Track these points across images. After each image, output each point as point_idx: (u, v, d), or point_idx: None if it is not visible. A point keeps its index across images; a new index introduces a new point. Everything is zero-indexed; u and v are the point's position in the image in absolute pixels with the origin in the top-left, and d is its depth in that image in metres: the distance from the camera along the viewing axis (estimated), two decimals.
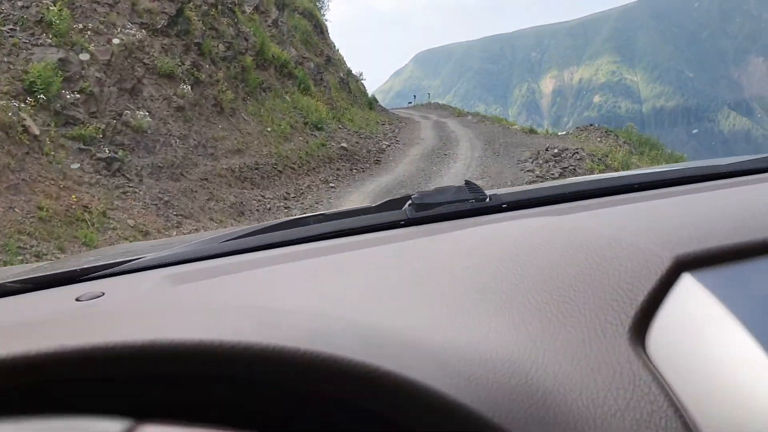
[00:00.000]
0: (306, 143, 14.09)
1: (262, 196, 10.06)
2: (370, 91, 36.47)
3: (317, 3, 34.80)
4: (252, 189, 10.11)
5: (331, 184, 12.17)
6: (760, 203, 0.80)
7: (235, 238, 1.18)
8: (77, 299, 0.92)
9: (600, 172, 11.05)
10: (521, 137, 19.40)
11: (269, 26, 20.63)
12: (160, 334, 0.52)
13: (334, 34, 34.04)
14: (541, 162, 11.57)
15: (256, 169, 10.84)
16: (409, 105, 52.84)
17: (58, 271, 1.12)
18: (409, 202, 1.19)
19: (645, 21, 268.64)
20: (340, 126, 17.70)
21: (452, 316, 0.64)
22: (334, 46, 36.33)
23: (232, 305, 0.79)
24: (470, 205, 1.19)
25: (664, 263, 0.60)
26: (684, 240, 0.64)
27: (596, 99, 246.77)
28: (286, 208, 9.95)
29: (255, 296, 0.85)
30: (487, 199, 1.21)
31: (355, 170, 14.10)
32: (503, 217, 1.15)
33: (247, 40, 15.96)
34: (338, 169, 13.69)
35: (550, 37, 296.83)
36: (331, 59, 29.42)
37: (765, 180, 1.16)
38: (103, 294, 0.93)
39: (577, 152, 11.40)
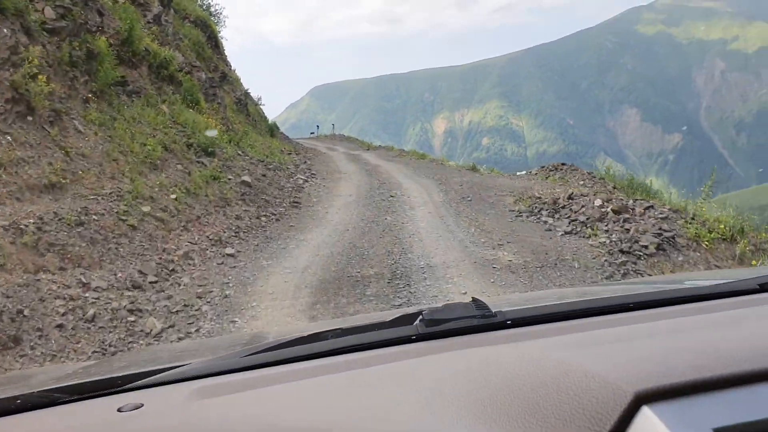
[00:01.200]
0: (187, 175, 8.84)
1: (84, 284, 4.74)
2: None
3: (213, 17, 29.64)
4: (62, 269, 4.78)
5: (229, 250, 6.99)
6: (714, 339, 0.92)
7: (256, 353, 1.26)
8: (119, 410, 0.99)
9: (709, 241, 6.72)
10: (473, 176, 15.40)
11: (149, 23, 15.42)
12: None
13: (230, 58, 29.36)
14: (583, 219, 7.12)
15: (82, 224, 5.50)
16: (312, 135, 48.31)
17: (99, 379, 1.23)
18: (420, 317, 1.28)
19: (530, 70, 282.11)
20: (239, 152, 12.54)
21: None
22: (231, 65, 31.27)
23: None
24: (476, 321, 1.28)
25: (626, 397, 0.69)
26: (644, 376, 0.74)
27: (485, 141, 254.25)
28: (133, 311, 4.69)
29: (275, 413, 0.93)
30: (493, 315, 1.30)
31: (265, 218, 9.01)
32: (507, 335, 1.24)
33: (101, 14, 10.55)
34: (239, 218, 8.54)
35: (442, 79, 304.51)
36: (227, 77, 24.44)
37: (720, 308, 1.27)
38: (143, 405, 1.01)
39: (651, 207, 7.08)
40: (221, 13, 30.68)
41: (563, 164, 15.14)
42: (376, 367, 1.07)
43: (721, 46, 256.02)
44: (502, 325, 1.29)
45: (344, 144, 36.46)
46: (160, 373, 1.18)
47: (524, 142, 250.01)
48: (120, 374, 1.19)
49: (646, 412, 0.67)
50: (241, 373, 1.17)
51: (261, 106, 40.65)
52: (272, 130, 28.20)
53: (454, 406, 0.80)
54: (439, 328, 1.25)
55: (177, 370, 1.19)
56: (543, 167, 15.68)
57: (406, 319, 1.31)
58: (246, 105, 23.99)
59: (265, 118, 29.89)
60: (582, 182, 13.40)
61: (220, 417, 0.92)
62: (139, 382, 1.15)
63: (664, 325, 1.13)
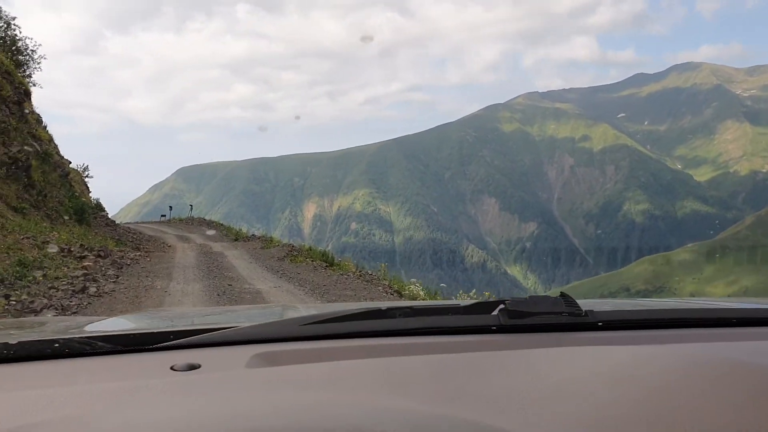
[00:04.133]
0: None
1: None
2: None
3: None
4: None
5: None
6: None
7: (317, 322, 1.19)
8: (172, 368, 0.95)
9: None
10: None
11: None
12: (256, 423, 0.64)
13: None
14: None
15: None
16: (162, 219, 39.64)
17: (147, 332, 1.16)
18: (501, 306, 1.20)
19: (397, 159, 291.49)
20: None
21: None
22: (38, 120, 25.60)
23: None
24: (565, 318, 1.19)
25: None
26: None
27: (353, 226, 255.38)
28: None
29: (342, 390, 0.85)
30: (584, 315, 1.20)
31: None
32: (601, 337, 1.17)
33: None
34: None
35: (312, 165, 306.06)
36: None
37: None
38: (200, 366, 0.96)
39: None
40: (34, 51, 24.55)
41: None
42: (454, 355, 1.00)
43: (570, 143, 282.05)
44: (592, 326, 1.21)
45: (202, 232, 27.49)
46: (212, 331, 1.12)
47: (392, 228, 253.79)
48: (171, 329, 1.14)
49: None
50: (302, 342, 1.11)
51: (88, 179, 33.95)
52: (82, 212, 22.05)
53: (534, 406, 0.73)
54: (522, 321, 1.17)
55: (232, 330, 1.13)
56: None
57: (484, 307, 1.25)
58: (28, 169, 17.71)
59: (75, 196, 23.95)
60: None
61: (286, 386, 0.86)
62: (193, 339, 1.09)
63: None
